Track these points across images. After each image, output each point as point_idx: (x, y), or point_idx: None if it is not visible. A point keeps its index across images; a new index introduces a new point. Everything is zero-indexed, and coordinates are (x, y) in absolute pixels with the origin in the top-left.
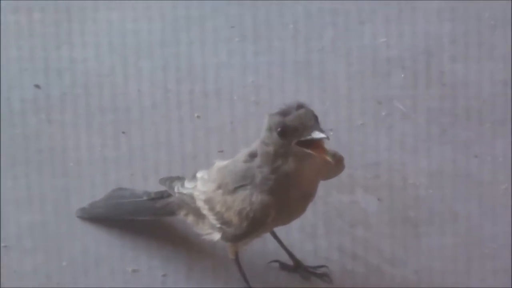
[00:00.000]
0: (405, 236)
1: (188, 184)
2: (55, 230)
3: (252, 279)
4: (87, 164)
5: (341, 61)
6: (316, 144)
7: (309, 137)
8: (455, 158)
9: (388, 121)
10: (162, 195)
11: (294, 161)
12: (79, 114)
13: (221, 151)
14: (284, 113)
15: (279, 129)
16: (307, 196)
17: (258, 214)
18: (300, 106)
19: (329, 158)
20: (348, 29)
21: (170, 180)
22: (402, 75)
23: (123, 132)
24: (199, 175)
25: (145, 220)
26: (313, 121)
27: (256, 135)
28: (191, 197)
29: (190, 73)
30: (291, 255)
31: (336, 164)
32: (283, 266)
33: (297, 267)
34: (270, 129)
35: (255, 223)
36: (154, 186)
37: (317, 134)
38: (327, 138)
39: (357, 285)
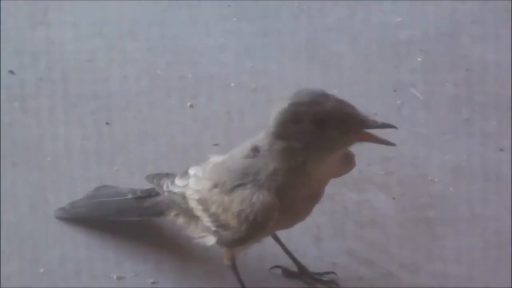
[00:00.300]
0: (422, 238)
1: (179, 182)
2: (31, 232)
3: (251, 286)
4: (66, 158)
5: (350, 43)
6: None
7: (371, 125)
8: (479, 151)
9: (404, 110)
10: (149, 194)
11: (317, 157)
12: (57, 102)
13: (216, 144)
14: (315, 101)
15: (317, 120)
16: (314, 196)
17: (260, 216)
18: (325, 93)
19: (383, 140)
20: (358, 7)
21: (157, 178)
22: (419, 59)
23: (107, 123)
24: (191, 171)
25: (131, 221)
26: (353, 107)
27: (255, 126)
28: (183, 196)
29: (181, 56)
30: (294, 260)
31: (347, 162)
32: (286, 273)
33: (301, 274)
34: (296, 121)
35: (256, 227)
36: (140, 183)
37: (377, 123)
38: (390, 125)
39: None
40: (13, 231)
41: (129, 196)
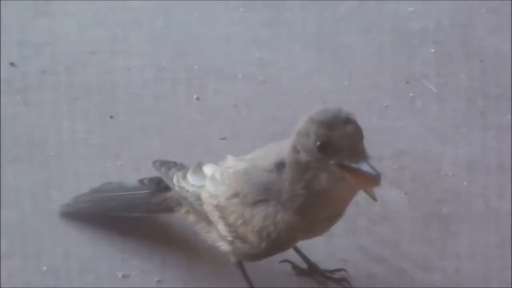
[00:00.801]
0: (436, 235)
1: (192, 179)
2: (34, 229)
3: (260, 285)
4: (69, 153)
5: (362, 34)
6: (360, 172)
7: (355, 166)
8: (494, 145)
9: (417, 103)
10: (157, 183)
11: (329, 179)
12: (60, 95)
13: (224, 138)
14: (329, 124)
15: (319, 143)
16: (334, 216)
17: (283, 236)
18: (348, 119)
19: (371, 192)
20: None
21: (166, 167)
22: (433, 50)
23: (111, 117)
24: (207, 171)
25: (137, 218)
26: (362, 145)
27: (263, 119)
28: (197, 197)
29: (187, 48)
30: (304, 257)
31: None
32: (296, 269)
33: (311, 271)
34: (307, 136)
35: (277, 246)
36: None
37: (365, 167)
38: (378, 175)
39: None
40: (15, 228)
41: (136, 187)
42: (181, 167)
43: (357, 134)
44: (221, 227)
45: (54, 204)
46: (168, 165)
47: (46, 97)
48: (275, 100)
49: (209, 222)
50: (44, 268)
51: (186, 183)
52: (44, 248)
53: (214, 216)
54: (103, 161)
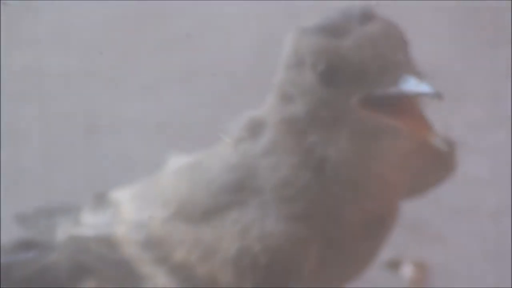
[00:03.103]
0: None
1: (92, 217)
2: None
3: None
4: None
5: None
6: (405, 106)
7: (395, 91)
8: None
9: None
10: (28, 246)
11: (352, 138)
12: None
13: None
14: (334, 30)
15: (322, 67)
16: (379, 219)
17: (282, 256)
18: (366, 15)
19: (434, 138)
20: None
21: (45, 216)
22: None
23: None
24: (122, 195)
25: None
26: (401, 52)
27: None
28: (108, 241)
29: None
30: None
31: (439, 160)
32: None
33: None
34: (299, 65)
35: (274, 277)
36: None
37: (413, 85)
38: (439, 96)
39: None
40: None
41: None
42: (70, 211)
43: (389, 35)
44: (161, 279)
45: None
46: (43, 213)
47: None
48: None
49: (136, 281)
50: None
51: (82, 228)
52: None
53: (144, 263)
54: None
